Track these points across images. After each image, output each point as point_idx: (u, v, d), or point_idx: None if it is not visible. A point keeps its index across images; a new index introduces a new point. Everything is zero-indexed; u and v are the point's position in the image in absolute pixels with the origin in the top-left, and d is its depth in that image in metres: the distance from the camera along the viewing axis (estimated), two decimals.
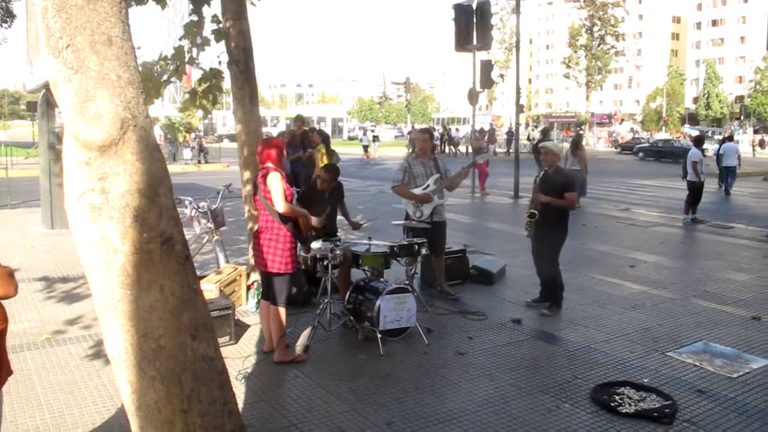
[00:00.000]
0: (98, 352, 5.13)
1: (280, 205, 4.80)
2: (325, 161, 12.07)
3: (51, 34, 2.44)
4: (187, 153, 27.82)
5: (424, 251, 6.04)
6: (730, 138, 21.19)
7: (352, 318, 5.63)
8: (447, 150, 37.26)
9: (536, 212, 6.47)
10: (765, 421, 4.14)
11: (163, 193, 2.67)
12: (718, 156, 19.39)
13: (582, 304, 6.77)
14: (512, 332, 5.89)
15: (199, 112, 6.96)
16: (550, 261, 6.54)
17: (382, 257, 5.85)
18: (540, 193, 6.50)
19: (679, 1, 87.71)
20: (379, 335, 5.31)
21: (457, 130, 43.29)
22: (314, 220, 5.22)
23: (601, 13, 58.94)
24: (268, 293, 5.09)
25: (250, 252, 6.25)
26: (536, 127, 64.86)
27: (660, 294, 7.24)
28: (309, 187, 6.92)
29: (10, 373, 2.75)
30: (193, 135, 28.31)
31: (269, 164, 4.92)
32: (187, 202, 7.33)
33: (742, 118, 59.77)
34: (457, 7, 16.05)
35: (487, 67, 16.87)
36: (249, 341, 5.57)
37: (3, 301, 2.61)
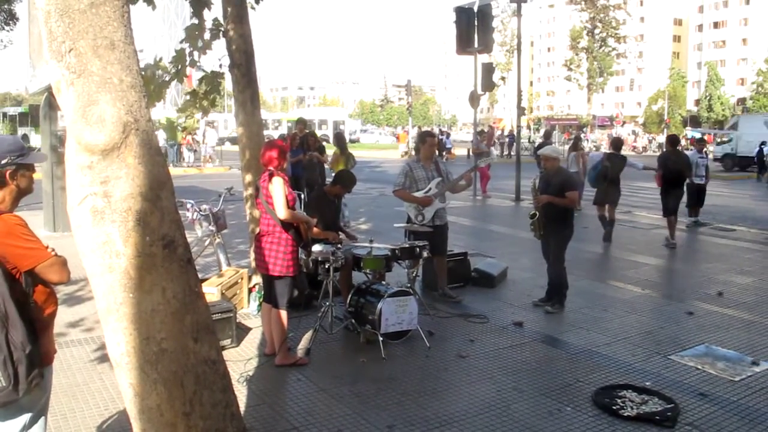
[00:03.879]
0: (100, 355, 5.13)
1: (282, 212, 4.80)
2: (341, 165, 11.92)
3: (54, 38, 2.45)
4: (188, 156, 27.79)
5: (425, 254, 6.05)
6: None
7: (353, 321, 5.64)
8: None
9: (536, 213, 6.57)
10: (767, 424, 4.13)
11: (165, 197, 2.67)
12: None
13: (584, 306, 6.77)
14: (514, 335, 5.88)
15: (198, 114, 6.97)
16: (554, 259, 6.59)
17: (384, 260, 5.84)
18: (540, 194, 6.59)
19: (680, 4, 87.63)
20: (380, 338, 5.31)
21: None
22: (316, 230, 5.21)
23: (602, 15, 58.98)
24: (269, 296, 5.09)
25: (252, 255, 6.26)
26: (537, 129, 64.63)
27: (662, 297, 7.23)
28: (318, 195, 6.86)
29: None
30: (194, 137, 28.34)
31: (271, 168, 4.93)
32: (189, 205, 7.34)
33: None
34: (458, 10, 16.05)
35: (488, 69, 16.85)
36: (251, 344, 5.57)
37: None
